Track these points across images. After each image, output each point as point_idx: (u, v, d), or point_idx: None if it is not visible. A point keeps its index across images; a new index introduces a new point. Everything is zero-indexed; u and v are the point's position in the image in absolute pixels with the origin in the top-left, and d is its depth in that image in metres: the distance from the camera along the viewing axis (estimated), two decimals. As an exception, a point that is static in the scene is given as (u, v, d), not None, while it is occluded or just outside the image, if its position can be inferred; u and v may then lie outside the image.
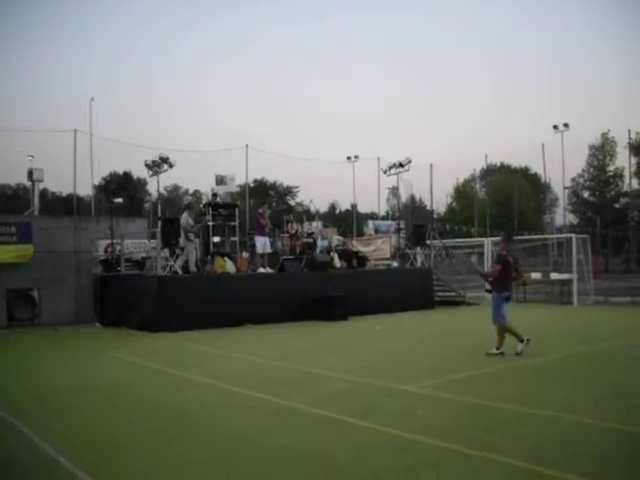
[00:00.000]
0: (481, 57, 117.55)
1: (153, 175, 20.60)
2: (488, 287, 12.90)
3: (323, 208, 65.23)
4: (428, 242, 25.20)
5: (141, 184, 71.50)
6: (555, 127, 50.49)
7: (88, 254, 21.43)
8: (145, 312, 17.95)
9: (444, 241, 29.06)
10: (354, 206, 49.48)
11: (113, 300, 19.67)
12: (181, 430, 7.27)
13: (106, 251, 21.49)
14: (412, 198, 70.77)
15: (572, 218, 64.00)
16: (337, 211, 78.41)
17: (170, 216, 21.30)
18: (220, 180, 22.93)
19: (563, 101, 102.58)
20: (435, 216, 61.14)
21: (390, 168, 25.78)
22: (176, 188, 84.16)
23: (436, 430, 6.88)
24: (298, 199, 75.53)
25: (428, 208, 65.08)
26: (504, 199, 59.06)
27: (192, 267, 18.94)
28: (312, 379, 10.34)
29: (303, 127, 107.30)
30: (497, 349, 11.95)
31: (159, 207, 23.38)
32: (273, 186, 76.93)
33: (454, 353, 12.85)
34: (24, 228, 20.45)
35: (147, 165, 20.42)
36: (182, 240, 18.75)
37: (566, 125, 50.43)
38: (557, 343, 13.65)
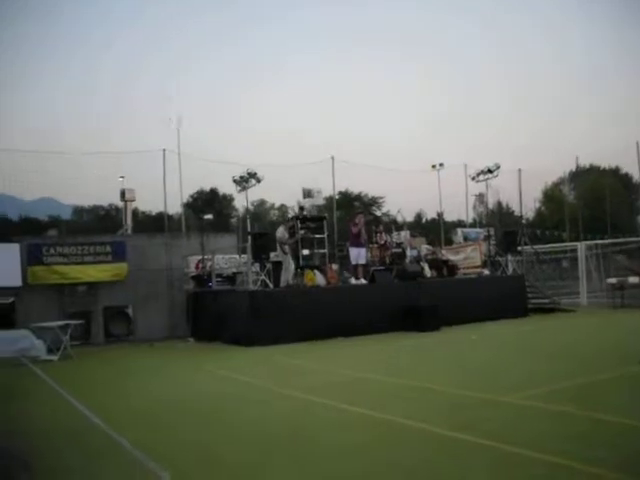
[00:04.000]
0: (564, 55, 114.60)
1: (241, 190, 20.82)
2: None
3: (409, 218, 64.67)
4: (519, 248, 24.61)
5: (227, 200, 72.65)
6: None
7: (180, 271, 21.83)
8: (238, 327, 18.11)
9: (536, 247, 28.40)
10: (440, 214, 48.86)
11: (206, 315, 19.92)
12: (283, 446, 7.23)
13: (197, 267, 21.80)
14: (499, 204, 69.54)
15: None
16: (423, 220, 77.62)
17: (259, 230, 21.45)
18: (307, 193, 22.88)
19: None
20: (524, 222, 59.91)
21: (478, 174, 25.36)
22: (262, 203, 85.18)
23: (541, 443, 6.63)
24: (384, 209, 75.21)
25: (516, 214, 63.85)
26: (595, 201, 57.39)
27: (290, 280, 19.05)
28: (411, 392, 10.14)
29: (384, 137, 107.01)
30: None
31: (248, 222, 23.53)
32: (358, 197, 76.65)
33: (555, 361, 12.44)
34: (119, 247, 20.99)
35: (235, 181, 20.66)
36: (279, 254, 18.90)
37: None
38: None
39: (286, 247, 19.12)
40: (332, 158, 27.89)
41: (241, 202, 73.79)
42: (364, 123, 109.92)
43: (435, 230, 43.46)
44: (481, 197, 64.11)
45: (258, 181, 20.08)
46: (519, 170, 33.35)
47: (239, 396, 10.52)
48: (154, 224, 50.12)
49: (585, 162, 73.30)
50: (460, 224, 58.79)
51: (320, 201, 24.60)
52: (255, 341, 17.05)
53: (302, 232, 19.74)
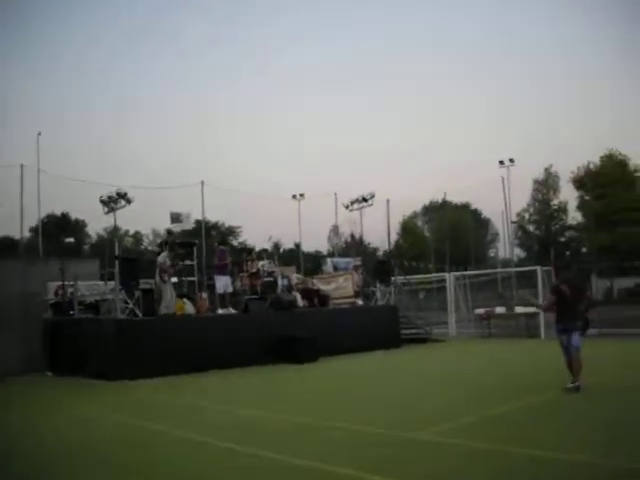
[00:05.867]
0: (425, 90, 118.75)
1: (109, 212, 19.40)
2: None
3: (267, 247, 64.03)
4: (392, 279, 24.43)
5: (79, 225, 69.90)
6: (501, 162, 50.82)
7: (37, 297, 19.97)
8: (103, 359, 16.62)
9: (408, 277, 28.44)
10: (298, 245, 48.75)
11: (66, 347, 18.27)
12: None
13: (57, 294, 20.13)
14: (352, 236, 70.41)
15: (518, 252, 64.69)
16: (281, 250, 77.38)
17: (128, 255, 20.11)
18: (175, 218, 21.82)
19: (504, 136, 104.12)
20: (381, 253, 60.86)
21: (352, 203, 25.11)
22: (116, 229, 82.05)
23: None
24: (241, 239, 74.37)
25: (372, 246, 64.88)
26: (453, 235, 59.28)
27: (169, 310, 17.80)
28: (306, 429, 9.36)
29: (246, 163, 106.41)
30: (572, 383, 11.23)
31: (116, 246, 22.02)
32: (215, 226, 75.33)
33: (447, 394, 12.11)
34: (-34, 271, 18.94)
35: (102, 201, 19.23)
36: (157, 281, 17.66)
37: (512, 160, 50.82)
38: (550, 379, 12.79)
39: (166, 275, 17.88)
40: (202, 182, 26.91)
41: (94, 228, 71.50)
42: (229, 150, 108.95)
43: (294, 260, 43.30)
44: (336, 229, 65.00)
45: (128, 202, 18.78)
46: (387, 200, 33.51)
47: (115, 439, 9.28)
48: (-1, 247, 47.07)
49: (438, 197, 75.81)
50: (317, 255, 59.02)
51: (189, 226, 23.62)
52: (122, 375, 15.71)
53: (186, 261, 18.71)
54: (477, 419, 9.35)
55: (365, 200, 24.50)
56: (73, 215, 67.65)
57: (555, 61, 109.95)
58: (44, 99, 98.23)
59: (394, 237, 75.88)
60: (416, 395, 12.25)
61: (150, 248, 69.86)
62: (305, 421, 9.90)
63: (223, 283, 19.47)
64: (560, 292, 11.46)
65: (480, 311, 25.77)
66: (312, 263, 46.63)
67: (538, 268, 24.46)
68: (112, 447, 8.72)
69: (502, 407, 10.24)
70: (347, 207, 25.50)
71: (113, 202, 18.99)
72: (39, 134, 30.29)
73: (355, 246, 60.83)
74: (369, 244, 66.02)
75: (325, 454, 7.63)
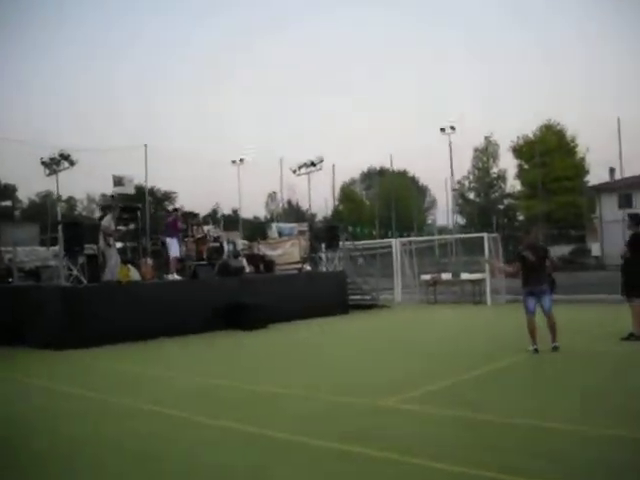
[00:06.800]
0: (369, 56, 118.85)
1: (51, 174, 18.54)
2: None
3: (204, 212, 63.22)
4: (340, 244, 24.17)
5: (9, 190, 67.91)
6: (442, 129, 50.89)
7: (-28, 264, 19.13)
8: (47, 328, 15.92)
9: (356, 243, 28.22)
10: (235, 211, 48.07)
11: (4, 315, 17.42)
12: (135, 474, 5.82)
13: (-8, 260, 19.28)
14: (289, 203, 70.07)
15: (458, 219, 65.46)
16: (219, 215, 76.52)
17: (72, 220, 19.31)
18: (118, 181, 21.06)
19: (448, 103, 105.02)
20: (320, 219, 60.65)
21: (300, 167, 24.64)
22: (49, 194, 79.94)
23: (452, 454, 5.96)
24: (177, 205, 73.22)
25: (311, 212, 64.57)
26: (391, 201, 59.57)
27: (114, 275, 17.14)
28: (272, 399, 9.02)
29: (188, 127, 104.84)
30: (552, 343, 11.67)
31: (58, 210, 21.16)
32: (151, 192, 73.97)
33: (407, 361, 11.98)
34: None
35: (44, 163, 18.36)
36: (102, 245, 16.96)
37: (453, 128, 50.96)
38: (508, 345, 12.73)
39: (111, 239, 17.19)
40: (145, 145, 26.08)
41: (24, 193, 69.52)
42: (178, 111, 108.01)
43: (233, 226, 42.81)
44: (273, 195, 64.59)
45: (71, 164, 17.96)
46: (333, 165, 33.13)
47: (63, 412, 8.76)
48: None
49: (375, 164, 76.07)
50: (256, 221, 58.48)
51: (131, 190, 22.85)
52: (68, 344, 15.04)
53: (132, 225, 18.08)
54: (442, 386, 9.21)
55: (314, 164, 24.08)
56: (2, 179, 65.45)
57: (499, 31, 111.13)
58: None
59: (334, 204, 76.20)
60: (376, 362, 11.99)
61: (85, 214, 68.35)
62: (267, 390, 9.59)
63: (176, 247, 19.03)
64: (524, 258, 11.66)
65: (426, 277, 25.77)
66: (250, 230, 46.11)
67: (485, 235, 24.48)
68: (52, 418, 8.33)
69: (464, 374, 10.10)
70: (294, 171, 25.04)
71: (55, 164, 18.15)
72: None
73: (293, 212, 60.53)
74: (307, 210, 65.81)
75: (295, 425, 7.40)
